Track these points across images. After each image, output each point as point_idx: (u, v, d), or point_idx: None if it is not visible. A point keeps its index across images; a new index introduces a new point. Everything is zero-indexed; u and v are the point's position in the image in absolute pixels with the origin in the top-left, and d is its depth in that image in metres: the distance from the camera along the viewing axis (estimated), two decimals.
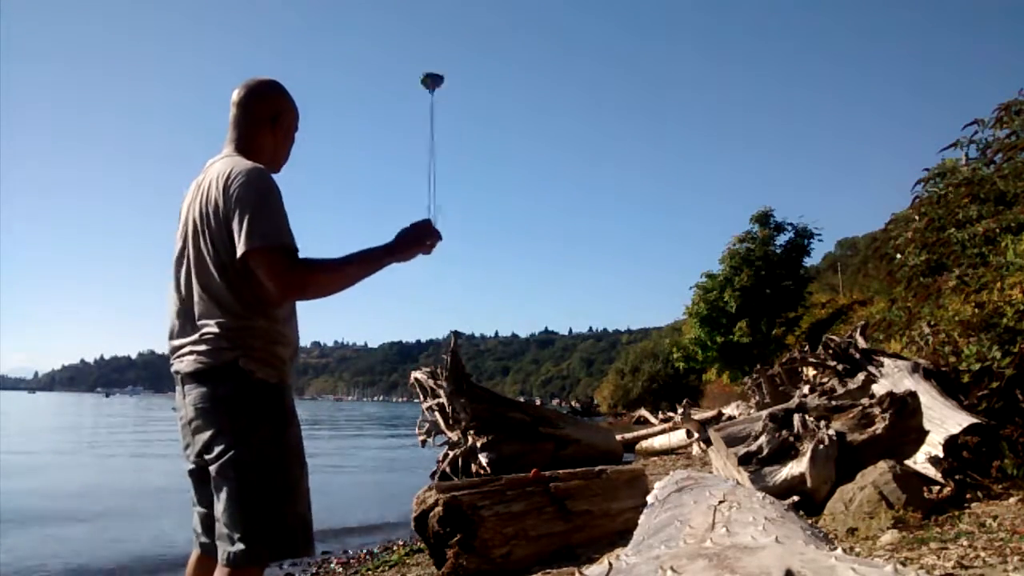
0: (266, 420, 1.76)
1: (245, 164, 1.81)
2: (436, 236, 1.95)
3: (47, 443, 16.79)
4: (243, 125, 1.93)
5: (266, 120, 1.94)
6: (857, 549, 2.99)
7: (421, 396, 10.37)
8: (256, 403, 1.75)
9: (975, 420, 4.33)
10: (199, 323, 1.79)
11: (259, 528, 1.70)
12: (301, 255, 1.76)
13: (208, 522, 1.81)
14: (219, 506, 1.72)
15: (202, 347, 1.77)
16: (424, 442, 10.22)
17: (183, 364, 1.80)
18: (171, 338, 1.87)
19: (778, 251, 23.33)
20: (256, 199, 1.74)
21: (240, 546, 1.68)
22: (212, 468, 1.73)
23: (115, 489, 8.88)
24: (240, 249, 1.70)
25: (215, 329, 1.76)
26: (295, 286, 1.75)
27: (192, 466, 1.85)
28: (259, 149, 1.93)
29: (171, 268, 1.90)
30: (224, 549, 1.70)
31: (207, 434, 1.75)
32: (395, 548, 5.20)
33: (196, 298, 1.80)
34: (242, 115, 1.93)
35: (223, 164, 1.84)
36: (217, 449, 1.73)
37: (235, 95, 1.93)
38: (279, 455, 1.77)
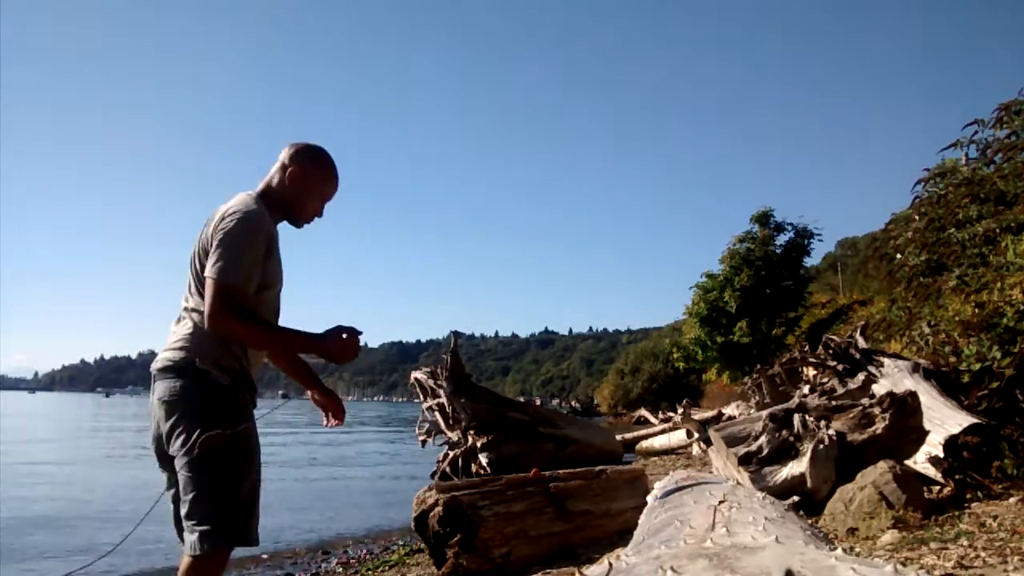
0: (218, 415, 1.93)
1: (242, 202, 2.02)
2: (351, 354, 2.03)
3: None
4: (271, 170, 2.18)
5: (280, 165, 2.15)
6: (857, 549, 2.99)
7: (421, 396, 10.37)
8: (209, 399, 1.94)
9: (975, 420, 4.32)
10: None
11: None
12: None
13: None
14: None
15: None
16: (424, 442, 10.22)
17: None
18: None
19: (778, 251, 23.27)
20: (231, 236, 1.94)
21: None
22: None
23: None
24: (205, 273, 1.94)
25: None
26: (218, 325, 1.91)
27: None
28: (267, 188, 2.15)
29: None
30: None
31: (169, 424, 1.94)
32: (395, 548, 5.20)
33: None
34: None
35: (233, 199, 2.07)
36: (179, 440, 1.90)
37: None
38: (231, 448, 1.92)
